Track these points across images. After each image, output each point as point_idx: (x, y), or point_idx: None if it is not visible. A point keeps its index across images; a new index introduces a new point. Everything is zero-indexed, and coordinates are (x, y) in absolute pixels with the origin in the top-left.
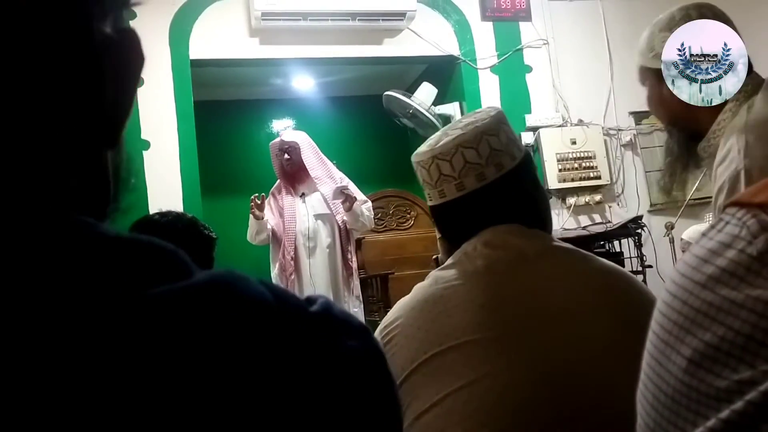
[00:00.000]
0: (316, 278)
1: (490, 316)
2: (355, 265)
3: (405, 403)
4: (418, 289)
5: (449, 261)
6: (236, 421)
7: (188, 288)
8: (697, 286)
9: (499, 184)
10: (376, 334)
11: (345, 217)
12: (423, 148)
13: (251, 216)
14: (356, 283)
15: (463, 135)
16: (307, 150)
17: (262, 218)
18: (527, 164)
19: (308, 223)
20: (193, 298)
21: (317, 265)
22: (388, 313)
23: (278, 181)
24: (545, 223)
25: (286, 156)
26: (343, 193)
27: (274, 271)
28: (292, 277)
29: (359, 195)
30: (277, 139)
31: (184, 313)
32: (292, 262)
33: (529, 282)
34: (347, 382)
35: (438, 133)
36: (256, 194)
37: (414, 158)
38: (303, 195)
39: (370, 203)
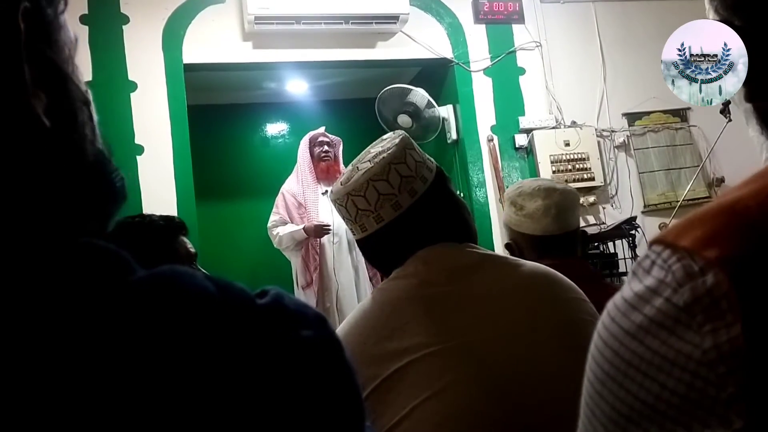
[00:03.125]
0: (339, 273)
1: (442, 327)
2: None
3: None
4: (363, 309)
5: (390, 279)
6: (175, 415)
7: (127, 285)
8: (627, 336)
9: (416, 210)
10: None
11: None
12: (337, 185)
13: (298, 231)
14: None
15: (372, 168)
16: (340, 149)
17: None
18: (441, 182)
19: (332, 218)
20: (130, 295)
21: (342, 261)
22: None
23: (291, 177)
24: (471, 234)
25: (326, 148)
26: None
27: (296, 266)
28: (318, 271)
29: None
30: (320, 130)
31: (118, 310)
32: (317, 257)
33: (473, 291)
34: (301, 371)
35: (349, 168)
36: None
37: (331, 197)
38: (326, 192)
39: None
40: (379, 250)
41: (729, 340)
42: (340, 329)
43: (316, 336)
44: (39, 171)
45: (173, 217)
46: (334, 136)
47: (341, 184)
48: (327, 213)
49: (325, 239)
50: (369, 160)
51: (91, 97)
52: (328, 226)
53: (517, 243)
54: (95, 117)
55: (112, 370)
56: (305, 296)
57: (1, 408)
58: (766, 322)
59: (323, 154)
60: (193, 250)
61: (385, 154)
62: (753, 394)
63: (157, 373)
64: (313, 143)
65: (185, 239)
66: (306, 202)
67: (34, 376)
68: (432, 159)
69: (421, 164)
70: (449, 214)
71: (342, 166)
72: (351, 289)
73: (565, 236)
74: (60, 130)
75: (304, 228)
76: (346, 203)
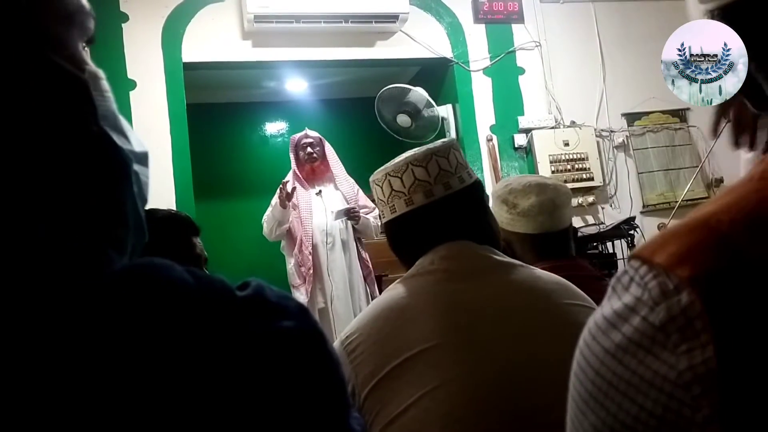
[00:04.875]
0: (333, 274)
1: (454, 320)
2: (371, 265)
3: (373, 410)
4: (379, 301)
5: (406, 275)
6: (151, 404)
7: (104, 277)
8: (606, 355)
9: (446, 202)
10: (336, 344)
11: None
12: (379, 169)
13: (275, 206)
14: (375, 284)
15: (414, 154)
16: (329, 147)
17: (288, 207)
18: (477, 191)
19: (326, 219)
20: (106, 287)
21: (335, 261)
22: (349, 325)
23: (288, 177)
24: (494, 243)
25: (308, 150)
26: (349, 214)
27: (290, 266)
28: (311, 272)
29: (368, 202)
30: (301, 133)
31: (93, 302)
32: (311, 257)
33: (484, 291)
34: (281, 362)
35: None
36: (285, 181)
37: (370, 179)
38: (320, 192)
39: (377, 211)
40: (403, 234)
41: (704, 361)
42: (359, 319)
43: (297, 327)
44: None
45: (185, 216)
46: (315, 135)
47: (382, 167)
48: (321, 213)
49: (318, 240)
50: (415, 150)
51: (92, 76)
52: (285, 187)
53: (510, 243)
54: (98, 97)
55: (85, 362)
56: (298, 296)
57: None
58: (738, 341)
59: (307, 157)
60: (201, 251)
61: (430, 146)
62: (727, 415)
63: (134, 365)
64: (298, 147)
65: (197, 241)
66: (299, 203)
67: (5, 369)
68: (474, 173)
69: (462, 167)
70: (477, 217)
71: (331, 162)
72: (345, 288)
73: (561, 234)
74: (26, 107)
75: (276, 203)
76: (382, 183)
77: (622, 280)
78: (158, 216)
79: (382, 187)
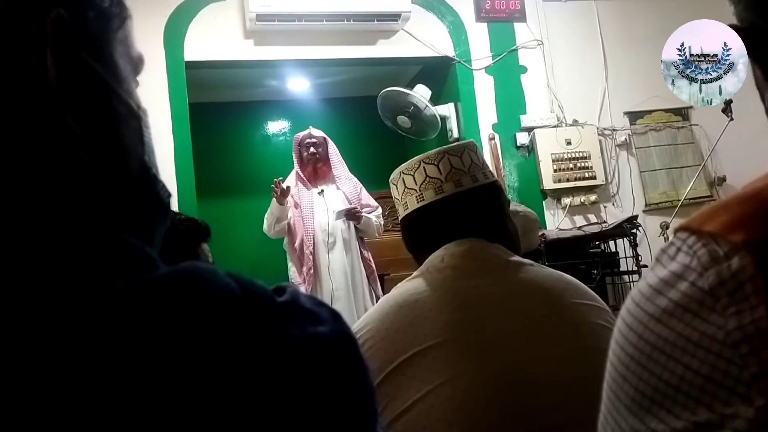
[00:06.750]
0: (334, 273)
1: (463, 317)
2: (373, 265)
3: (381, 405)
4: (388, 297)
5: (416, 273)
6: (195, 409)
7: (151, 280)
8: (651, 320)
9: (457, 199)
10: None
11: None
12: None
13: (273, 203)
14: (378, 283)
15: (428, 153)
16: (332, 147)
17: (285, 203)
18: (492, 190)
19: (327, 218)
20: (154, 290)
21: (336, 261)
22: (358, 321)
23: (291, 175)
24: (509, 244)
25: (312, 150)
26: (350, 214)
27: (291, 267)
28: (311, 271)
29: (371, 201)
30: (305, 132)
31: (144, 305)
32: (311, 257)
33: (493, 289)
34: (316, 366)
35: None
36: (279, 179)
37: (389, 179)
38: (322, 191)
39: (380, 209)
40: (414, 231)
41: (753, 321)
42: (368, 315)
43: (331, 332)
44: (64, 172)
45: (205, 224)
46: (319, 134)
47: (399, 167)
48: (323, 213)
49: (319, 240)
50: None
51: (144, 114)
52: (278, 181)
53: None
54: (147, 134)
55: (128, 367)
56: None
57: (7, 401)
58: None
59: (310, 157)
60: (210, 259)
61: (446, 146)
62: None
63: (180, 369)
64: (301, 146)
65: (205, 246)
66: (301, 202)
67: (45, 370)
68: (494, 174)
69: (476, 167)
70: (489, 216)
71: (333, 163)
72: (347, 288)
73: (527, 256)
74: (96, 137)
75: (275, 200)
76: (397, 181)
77: (668, 251)
78: (179, 220)
79: (397, 186)
